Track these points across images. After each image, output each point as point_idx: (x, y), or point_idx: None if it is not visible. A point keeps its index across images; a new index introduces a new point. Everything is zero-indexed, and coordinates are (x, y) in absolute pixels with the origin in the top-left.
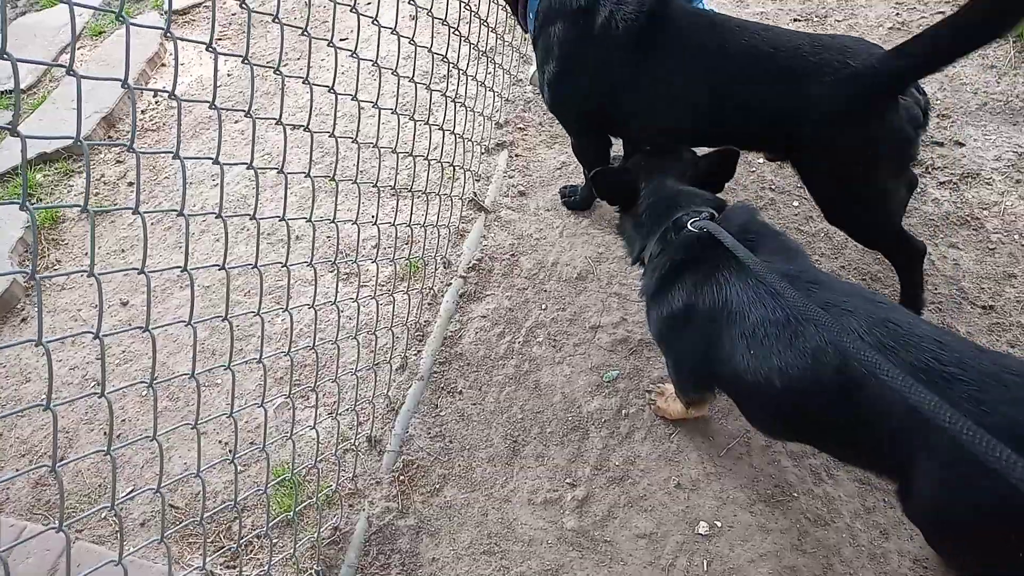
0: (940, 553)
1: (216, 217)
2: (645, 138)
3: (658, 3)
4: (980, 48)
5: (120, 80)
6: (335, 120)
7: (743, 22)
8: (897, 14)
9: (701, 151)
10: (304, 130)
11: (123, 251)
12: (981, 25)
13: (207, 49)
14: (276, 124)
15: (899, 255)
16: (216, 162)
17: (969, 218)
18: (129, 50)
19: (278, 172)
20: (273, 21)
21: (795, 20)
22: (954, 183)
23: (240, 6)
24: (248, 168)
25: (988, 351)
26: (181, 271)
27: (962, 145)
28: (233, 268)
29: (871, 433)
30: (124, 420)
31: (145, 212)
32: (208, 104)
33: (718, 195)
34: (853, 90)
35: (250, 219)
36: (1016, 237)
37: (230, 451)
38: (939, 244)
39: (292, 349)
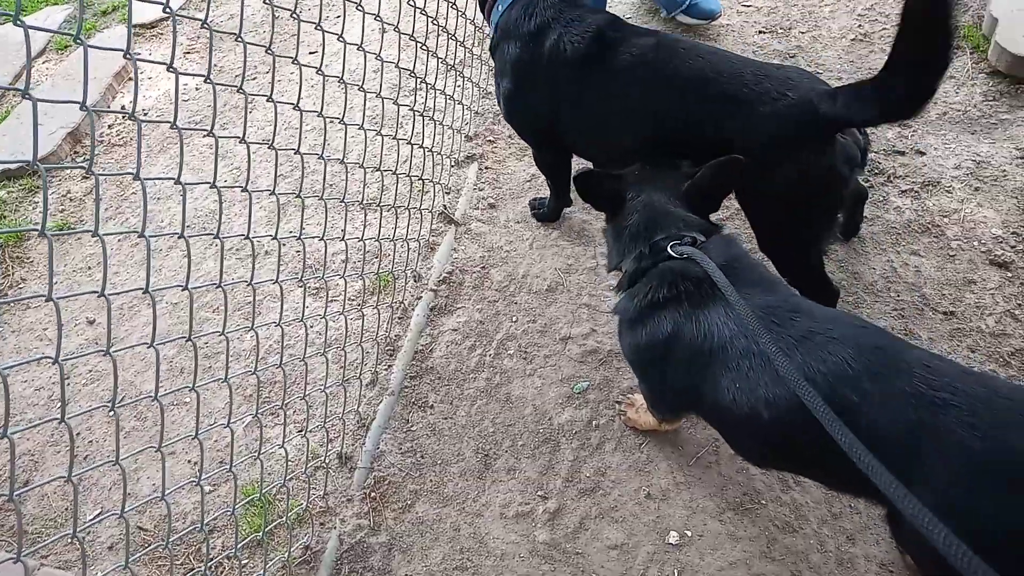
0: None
1: (179, 237)
2: (592, 157)
3: (604, 26)
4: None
5: (79, 102)
6: (300, 136)
7: (691, 44)
8: (860, 26)
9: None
10: (269, 147)
11: (90, 268)
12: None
13: (168, 69)
14: (240, 142)
15: (814, 295)
16: (178, 182)
17: (930, 225)
18: (87, 73)
19: (242, 190)
20: (236, 40)
21: (760, 32)
22: (915, 191)
23: (202, 26)
24: (211, 187)
25: (975, 373)
26: (143, 292)
27: (923, 154)
28: (197, 288)
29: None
30: (91, 441)
31: (104, 234)
32: (169, 124)
33: (715, 214)
34: (787, 123)
35: (214, 237)
36: (976, 244)
37: (201, 471)
38: (901, 251)
39: (262, 366)
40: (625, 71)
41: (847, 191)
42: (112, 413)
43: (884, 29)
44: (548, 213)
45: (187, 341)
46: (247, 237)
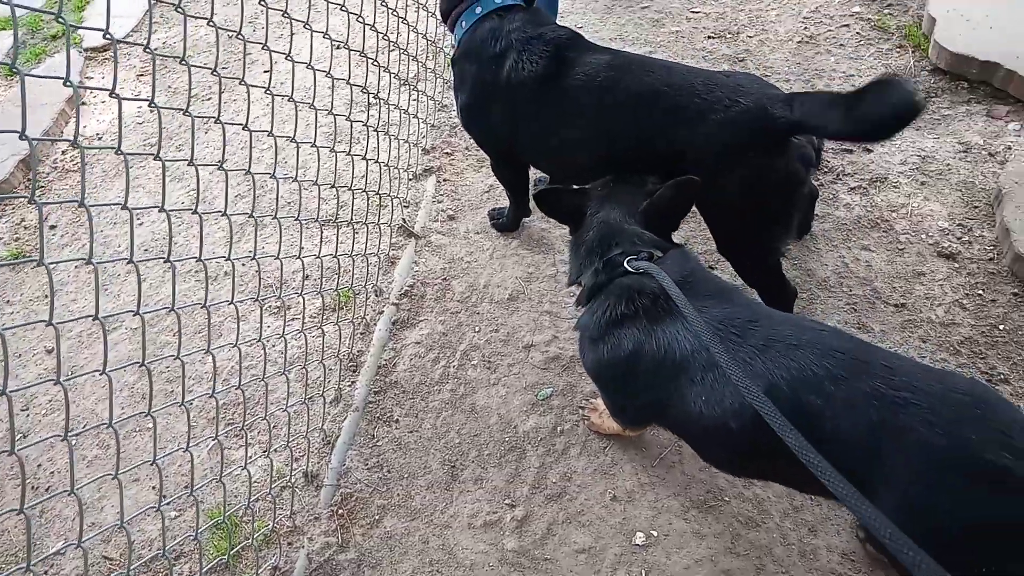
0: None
1: (128, 262)
2: (550, 172)
3: (561, 46)
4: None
5: (18, 132)
6: (251, 156)
7: (643, 60)
8: (805, 28)
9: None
10: (219, 168)
11: (46, 296)
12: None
13: (110, 95)
14: (189, 164)
15: (772, 296)
16: (124, 207)
17: (879, 220)
18: (25, 102)
19: (192, 212)
20: (180, 63)
21: (709, 37)
22: (864, 188)
23: (144, 50)
24: (160, 211)
25: (933, 370)
26: (93, 319)
27: (870, 151)
28: (148, 312)
29: (831, 460)
30: (53, 472)
31: (51, 263)
32: (114, 151)
33: (673, 231)
34: (741, 129)
35: (164, 261)
36: (923, 237)
37: (164, 497)
38: (852, 247)
39: (226, 388)
40: (579, 91)
41: (804, 191)
42: (65, 442)
43: (829, 31)
44: (507, 223)
45: (140, 366)
46: (199, 259)
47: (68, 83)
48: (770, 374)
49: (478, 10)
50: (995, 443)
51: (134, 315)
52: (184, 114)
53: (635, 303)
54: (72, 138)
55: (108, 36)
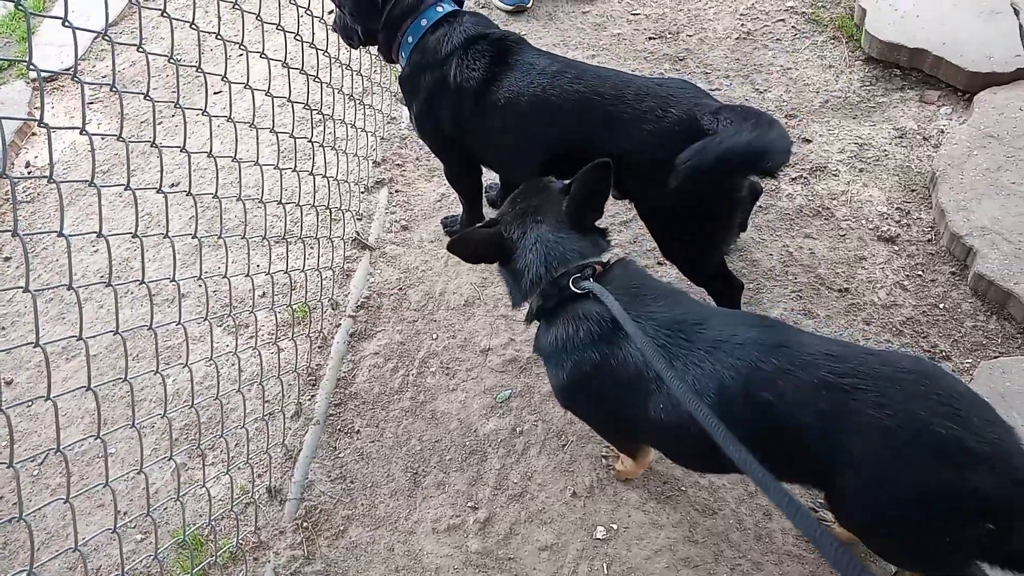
0: (875, 550)
1: (68, 288)
2: (501, 172)
3: (502, 51)
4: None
5: None
6: (191, 180)
7: (579, 67)
8: (742, 25)
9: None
10: (157, 192)
11: (3, 328)
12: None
13: (80, 132)
14: (126, 189)
15: (719, 293)
16: (60, 234)
17: (821, 209)
18: (5, 140)
19: (132, 236)
20: (145, 99)
21: (650, 38)
22: (804, 178)
23: (111, 89)
24: (98, 236)
25: (876, 351)
26: (34, 346)
27: (809, 142)
28: (91, 337)
29: (791, 452)
30: (13, 503)
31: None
32: (46, 180)
33: (599, 217)
34: (670, 141)
35: (106, 285)
36: (864, 222)
37: (128, 519)
38: (795, 236)
39: (183, 408)
40: (515, 96)
41: (740, 197)
42: (38, 467)
43: (766, 26)
44: (461, 229)
45: (87, 390)
46: (141, 282)
47: (42, 124)
48: (720, 375)
49: (423, 23)
50: (944, 416)
51: (76, 339)
52: (118, 139)
53: (587, 327)
54: (47, 175)
55: (77, 80)
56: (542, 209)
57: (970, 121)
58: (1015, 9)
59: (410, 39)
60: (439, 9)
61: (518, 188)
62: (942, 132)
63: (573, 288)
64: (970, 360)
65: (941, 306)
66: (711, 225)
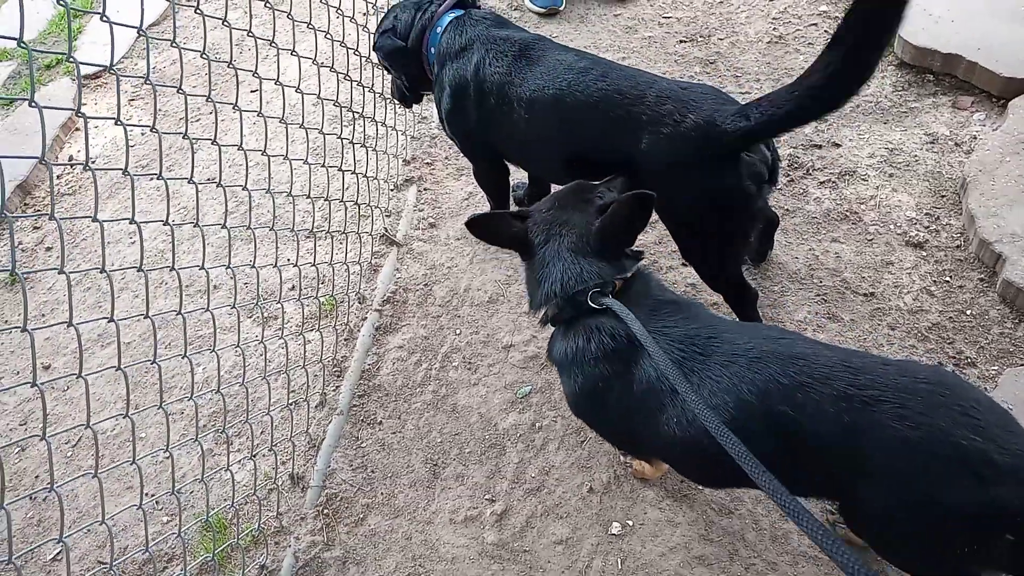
0: (888, 558)
1: (100, 271)
2: (528, 169)
3: (526, 45)
4: (823, 116)
5: (37, 157)
6: (220, 175)
7: (604, 66)
8: (774, 29)
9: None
10: (188, 182)
11: (43, 315)
12: (821, 92)
13: (115, 123)
14: (157, 178)
15: (734, 301)
16: (94, 219)
17: (848, 213)
18: (45, 129)
19: (163, 224)
20: (178, 92)
21: (681, 42)
22: (833, 182)
23: (145, 82)
24: (130, 223)
25: (893, 361)
26: (67, 326)
27: (839, 146)
28: (122, 320)
29: (809, 465)
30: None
31: (24, 273)
32: (83, 166)
33: (630, 246)
34: (687, 146)
35: (137, 271)
36: (892, 227)
37: (156, 500)
38: (822, 240)
39: (210, 393)
40: (540, 93)
41: (756, 207)
42: (71, 448)
43: (798, 31)
44: None
45: (117, 370)
46: (172, 268)
47: (80, 114)
48: (738, 389)
49: (438, 29)
50: (965, 427)
51: (108, 321)
52: (184, 138)
53: (602, 342)
54: (80, 160)
55: (112, 71)
56: (572, 224)
57: (1004, 127)
58: None
59: (432, 49)
60: (449, 16)
61: (561, 187)
62: (974, 138)
63: (591, 303)
64: (996, 367)
65: (968, 312)
66: (723, 235)
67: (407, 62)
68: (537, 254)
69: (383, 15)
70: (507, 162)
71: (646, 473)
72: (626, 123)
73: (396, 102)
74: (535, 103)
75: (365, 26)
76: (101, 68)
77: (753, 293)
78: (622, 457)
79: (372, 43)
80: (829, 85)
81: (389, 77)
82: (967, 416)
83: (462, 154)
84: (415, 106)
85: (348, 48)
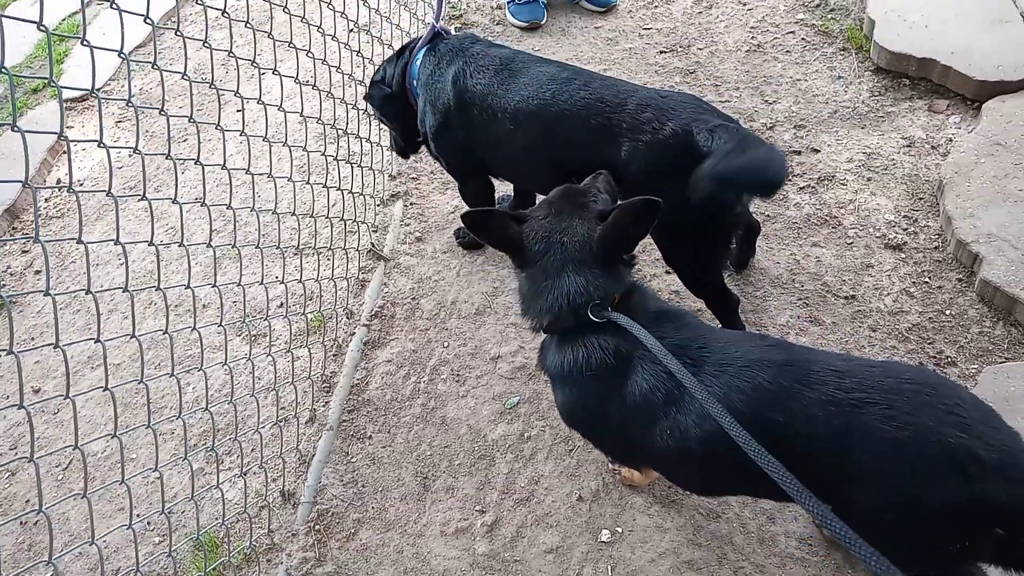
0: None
1: (86, 292)
2: (513, 181)
3: (506, 58)
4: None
5: (22, 181)
6: (204, 195)
7: (587, 76)
8: (753, 38)
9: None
10: (172, 203)
11: (33, 339)
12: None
13: (99, 146)
14: (141, 199)
15: (716, 307)
16: (79, 241)
17: (828, 217)
18: (28, 154)
19: (115, 242)
20: (160, 114)
21: (661, 52)
22: (812, 187)
23: (127, 104)
24: (115, 243)
25: (877, 363)
26: (55, 347)
27: (817, 151)
28: (109, 340)
29: (799, 469)
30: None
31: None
32: (67, 189)
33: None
34: (665, 153)
35: (123, 291)
36: (871, 230)
37: (146, 521)
38: (803, 244)
39: (198, 412)
40: (524, 103)
41: (736, 214)
42: (60, 470)
43: (776, 39)
44: (472, 240)
45: (104, 390)
46: (158, 288)
47: (64, 138)
48: (728, 397)
49: (417, 60)
50: (951, 425)
51: (95, 342)
52: (134, 152)
53: (603, 359)
54: (66, 183)
55: (95, 94)
56: (573, 232)
57: (978, 129)
58: None
59: (414, 81)
60: (424, 50)
61: (553, 190)
62: (950, 141)
63: (592, 317)
64: (976, 366)
65: (947, 312)
66: (700, 241)
67: (398, 108)
68: (536, 263)
69: (375, 70)
70: (493, 177)
71: (635, 480)
72: (607, 131)
73: (395, 153)
74: (519, 114)
75: (347, 44)
76: (87, 91)
77: (734, 299)
78: (610, 465)
79: (365, 94)
80: None
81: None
82: (952, 414)
83: (449, 174)
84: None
85: (331, 66)
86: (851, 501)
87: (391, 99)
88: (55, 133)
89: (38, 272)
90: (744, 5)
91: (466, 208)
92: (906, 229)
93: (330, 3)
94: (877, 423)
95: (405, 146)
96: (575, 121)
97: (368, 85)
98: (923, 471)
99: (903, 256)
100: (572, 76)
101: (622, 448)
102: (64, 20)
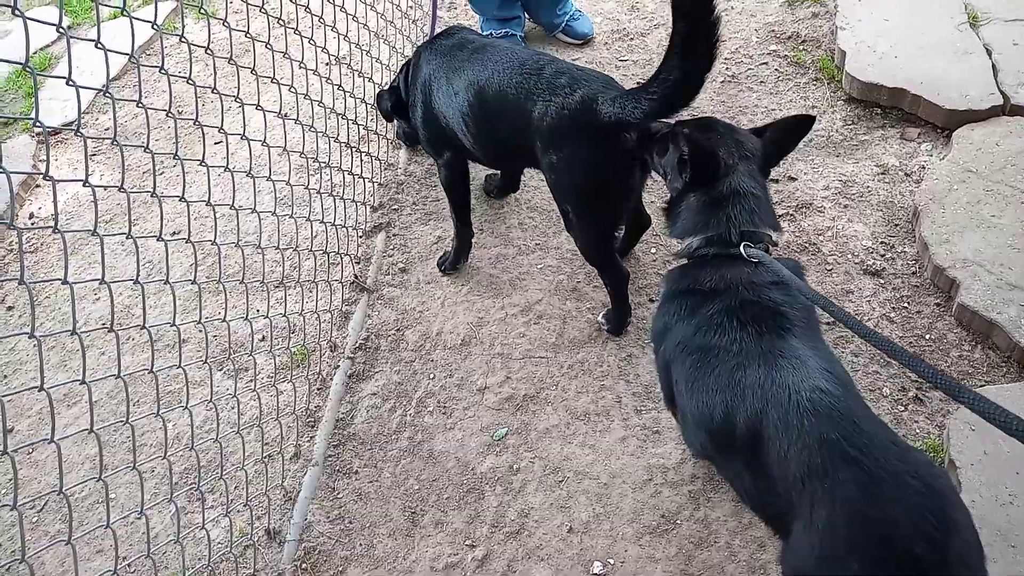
0: None
1: (71, 334)
2: (483, 159)
3: (478, 47)
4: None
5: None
6: (189, 229)
7: (531, 54)
8: (727, 68)
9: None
10: (158, 239)
11: (5, 376)
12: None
13: (84, 185)
14: (127, 238)
15: (605, 276)
16: (64, 281)
17: (807, 244)
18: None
19: (100, 282)
20: (144, 151)
21: (638, 83)
22: (791, 214)
23: (112, 143)
24: (100, 283)
25: (902, 445)
26: (39, 390)
27: (795, 179)
28: (94, 381)
29: (772, 479)
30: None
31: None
32: (51, 229)
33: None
34: (566, 114)
35: (107, 331)
36: (849, 256)
37: (128, 564)
38: None
39: (181, 451)
40: (480, 80)
41: (629, 185)
42: (37, 514)
43: (749, 69)
44: (451, 262)
45: (89, 433)
46: (143, 327)
47: (48, 177)
48: (761, 388)
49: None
50: (917, 528)
51: (80, 383)
52: (119, 190)
53: (727, 290)
54: (51, 225)
55: (80, 135)
56: (746, 149)
57: (949, 157)
58: (987, 49)
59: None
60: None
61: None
62: (923, 168)
63: (743, 252)
64: None
65: (927, 337)
66: (595, 202)
67: (406, 112)
68: (725, 185)
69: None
70: (467, 158)
71: None
72: (528, 91)
73: (402, 142)
74: (469, 87)
75: (328, 78)
76: (61, 127)
77: (623, 274)
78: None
79: (376, 97)
80: (678, 83)
81: (348, 124)
82: (931, 526)
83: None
84: (382, 154)
85: (312, 100)
86: (794, 532)
87: (403, 106)
88: (28, 173)
89: (11, 308)
90: None
91: (448, 235)
92: (883, 255)
93: (311, 38)
94: (853, 484)
95: (412, 139)
96: (508, 89)
97: (385, 90)
98: (862, 546)
99: (882, 282)
100: (524, 55)
101: (675, 380)
102: (36, 52)
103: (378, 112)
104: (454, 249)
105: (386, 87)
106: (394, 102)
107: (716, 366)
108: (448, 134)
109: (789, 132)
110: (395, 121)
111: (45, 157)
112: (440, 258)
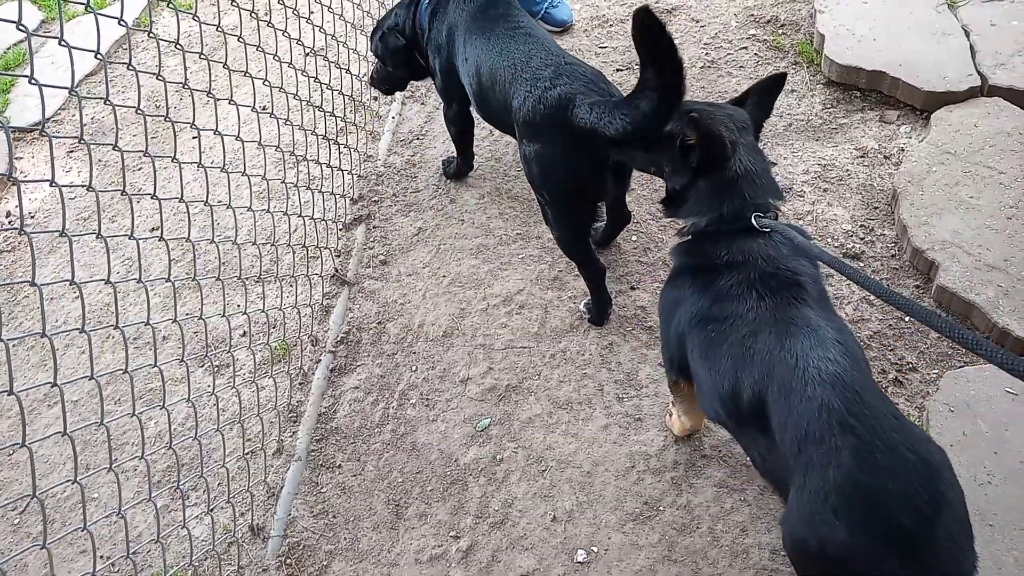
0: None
1: (41, 336)
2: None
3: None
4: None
5: None
6: (162, 226)
7: (527, 29)
8: (707, 54)
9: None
10: (130, 238)
11: None
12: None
13: (50, 185)
14: (97, 237)
15: (582, 270)
16: (32, 284)
17: None
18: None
19: (70, 283)
20: (114, 149)
21: (618, 70)
22: None
23: (79, 142)
24: (71, 284)
25: (904, 423)
26: (8, 394)
27: (774, 164)
28: (66, 383)
29: (771, 440)
30: None
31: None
32: (18, 231)
33: None
34: (540, 107)
35: (80, 332)
36: (829, 240)
37: (111, 564)
38: None
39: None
40: (477, 41)
41: (598, 187)
42: (19, 516)
43: (729, 55)
44: (454, 172)
45: (63, 435)
46: (116, 327)
47: (12, 179)
48: (769, 354)
49: (423, 5)
50: (908, 500)
51: (52, 386)
52: (87, 190)
53: (739, 261)
54: (18, 225)
55: (44, 135)
56: (745, 127)
57: (928, 139)
58: (965, 31)
59: (424, 25)
60: None
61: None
62: (902, 150)
63: (754, 223)
64: (936, 371)
65: (907, 319)
66: (566, 197)
67: (407, 56)
68: (730, 162)
69: (385, 13)
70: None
71: (675, 429)
72: (512, 78)
73: (375, 89)
74: (479, 64)
75: (304, 70)
76: (34, 126)
77: (600, 268)
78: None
79: (371, 43)
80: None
81: (325, 117)
82: (922, 499)
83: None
84: (361, 145)
85: (287, 93)
86: (789, 504)
87: (405, 49)
88: (3, 175)
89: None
90: (697, 22)
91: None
92: (863, 238)
93: (285, 31)
94: (847, 450)
95: (392, 86)
96: (501, 70)
97: (376, 29)
98: (851, 512)
99: (862, 265)
100: (517, 25)
101: (680, 346)
102: (9, 49)
103: (369, 51)
104: (456, 167)
105: (386, 23)
106: (399, 50)
107: (730, 334)
108: (460, 86)
109: (766, 94)
110: (379, 64)
111: (11, 158)
112: (445, 162)
